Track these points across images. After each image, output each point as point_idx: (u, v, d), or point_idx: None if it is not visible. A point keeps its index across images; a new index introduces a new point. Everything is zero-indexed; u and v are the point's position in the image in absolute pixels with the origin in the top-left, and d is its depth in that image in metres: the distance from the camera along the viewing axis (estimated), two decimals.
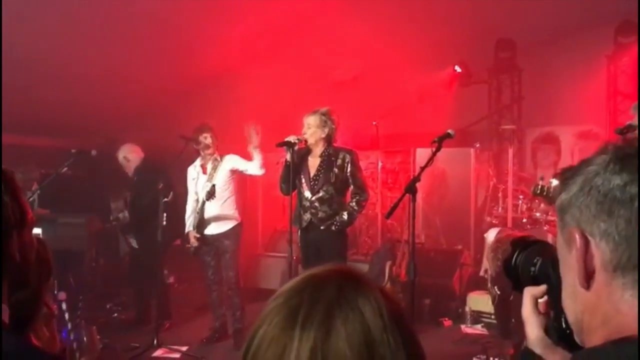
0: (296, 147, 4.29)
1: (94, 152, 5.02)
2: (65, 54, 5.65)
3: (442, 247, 6.60)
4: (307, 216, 4.34)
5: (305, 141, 4.34)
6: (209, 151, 5.05)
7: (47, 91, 6.08)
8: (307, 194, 4.34)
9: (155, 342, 4.79)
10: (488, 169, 6.97)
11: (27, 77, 5.67)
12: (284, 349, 0.69)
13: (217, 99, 6.27)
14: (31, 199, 5.28)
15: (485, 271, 5.24)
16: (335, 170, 4.31)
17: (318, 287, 0.73)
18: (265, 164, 4.87)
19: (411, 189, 3.62)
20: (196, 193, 5.10)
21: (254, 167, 4.88)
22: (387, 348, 0.69)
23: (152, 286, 5.39)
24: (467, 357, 4.49)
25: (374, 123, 7.11)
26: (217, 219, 5.00)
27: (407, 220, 4.74)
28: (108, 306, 6.15)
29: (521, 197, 6.23)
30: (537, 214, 5.96)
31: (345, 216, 4.29)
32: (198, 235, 5.00)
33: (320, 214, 4.31)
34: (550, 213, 5.68)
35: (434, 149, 3.72)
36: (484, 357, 4.40)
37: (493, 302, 5.11)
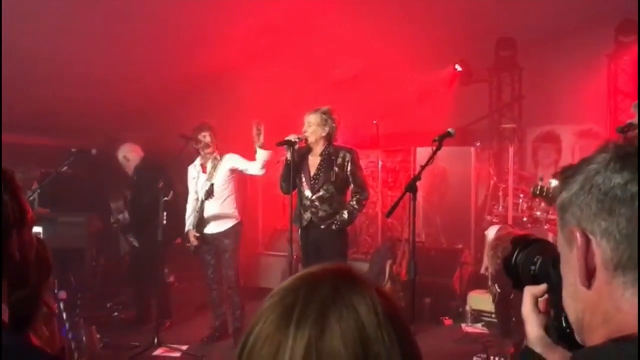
0: (297, 146, 4.29)
1: (94, 152, 5.03)
2: (65, 54, 5.64)
3: (442, 246, 6.60)
4: (307, 215, 4.34)
5: (306, 140, 4.34)
6: (209, 150, 5.05)
7: (47, 90, 6.08)
8: (308, 193, 4.34)
9: (155, 341, 4.79)
10: (489, 168, 6.96)
11: (28, 76, 5.67)
12: (278, 347, 0.69)
13: (217, 98, 6.26)
14: (31, 198, 5.28)
15: (486, 269, 5.24)
16: (336, 169, 4.31)
17: (313, 285, 0.73)
18: (266, 163, 4.86)
19: (412, 188, 3.62)
20: (196, 192, 5.10)
21: (254, 168, 4.87)
22: (382, 345, 0.69)
23: (153, 285, 5.40)
24: (468, 356, 4.49)
25: (375, 122, 7.11)
26: (217, 218, 5.00)
27: (407, 219, 4.75)
28: (108, 305, 6.15)
29: (522, 196, 6.23)
30: (538, 213, 5.96)
31: (345, 215, 4.29)
32: (198, 235, 5.00)
33: (321, 213, 4.31)
34: (550, 212, 5.68)
35: (434, 148, 3.72)
36: (485, 356, 4.39)
37: (494, 301, 5.11)
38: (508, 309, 4.86)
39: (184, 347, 4.85)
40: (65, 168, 4.97)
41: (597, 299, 0.75)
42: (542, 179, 4.42)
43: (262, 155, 4.75)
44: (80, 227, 6.48)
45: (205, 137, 5.02)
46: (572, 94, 6.76)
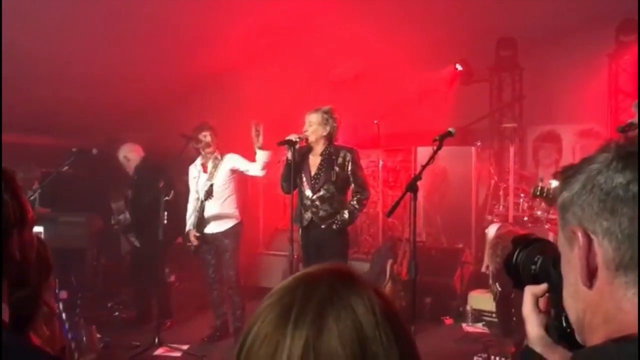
0: (297, 146, 4.28)
1: (94, 151, 5.03)
2: (65, 53, 5.64)
3: (443, 246, 6.60)
4: (308, 215, 4.34)
5: (306, 139, 4.34)
6: (209, 150, 5.05)
7: (47, 90, 6.08)
8: (308, 192, 4.34)
9: (156, 340, 4.79)
10: (489, 167, 6.96)
11: (28, 76, 5.67)
12: (276, 347, 0.69)
13: (217, 98, 6.26)
14: (32, 198, 5.28)
15: (487, 267, 5.24)
16: (336, 168, 4.30)
17: (311, 285, 0.73)
18: (267, 163, 4.86)
19: (412, 188, 3.61)
20: (197, 192, 5.10)
21: (255, 169, 4.87)
22: (380, 345, 0.69)
23: (153, 285, 5.40)
24: (468, 356, 4.48)
25: (375, 121, 7.11)
26: (217, 217, 5.00)
27: (408, 218, 4.75)
28: (109, 305, 6.15)
29: (522, 195, 6.23)
30: (538, 213, 5.96)
31: (346, 215, 4.29)
32: (198, 234, 5.00)
33: (321, 213, 4.30)
34: (551, 211, 5.68)
35: (435, 148, 3.71)
36: (485, 355, 4.39)
37: (494, 299, 5.11)
38: (509, 307, 4.86)
39: (185, 347, 4.85)
40: (66, 167, 4.97)
41: (598, 298, 0.75)
42: (542, 180, 4.43)
43: (261, 156, 4.75)
44: (80, 226, 6.48)
45: (206, 136, 5.02)
46: (573, 94, 6.76)
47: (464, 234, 6.57)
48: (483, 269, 5.47)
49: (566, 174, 0.79)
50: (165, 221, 4.89)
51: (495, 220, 6.32)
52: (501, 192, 6.52)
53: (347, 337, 0.68)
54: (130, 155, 5.69)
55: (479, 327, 5.44)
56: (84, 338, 3.94)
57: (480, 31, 6.65)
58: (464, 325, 5.51)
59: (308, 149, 4.41)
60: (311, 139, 4.33)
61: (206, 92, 6.52)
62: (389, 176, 7.12)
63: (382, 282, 5.51)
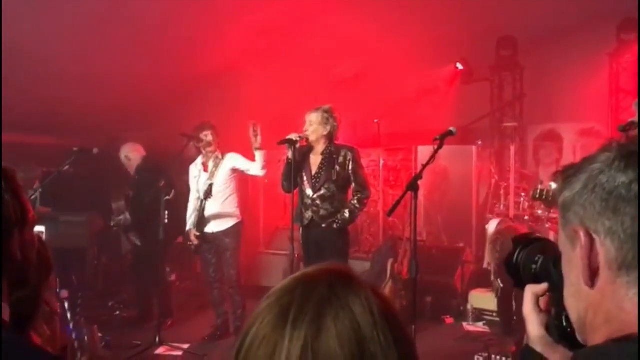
0: (298, 145, 4.28)
1: (95, 151, 5.03)
2: (66, 53, 5.65)
3: (443, 245, 6.60)
4: (308, 214, 4.33)
5: (307, 139, 4.34)
6: (210, 149, 5.05)
7: (48, 90, 6.08)
8: (309, 191, 4.34)
9: (157, 339, 4.79)
10: (490, 166, 6.96)
11: (29, 75, 5.67)
12: (275, 348, 0.69)
13: (218, 97, 6.27)
14: (33, 198, 5.28)
15: (489, 264, 5.24)
16: (337, 168, 4.30)
17: (309, 285, 0.73)
18: (266, 162, 4.87)
19: (413, 187, 3.61)
20: (197, 191, 5.10)
21: (255, 168, 4.87)
22: (378, 345, 0.69)
23: (154, 284, 5.40)
24: (469, 355, 4.48)
25: (376, 121, 7.11)
26: (217, 217, 5.00)
27: (408, 217, 4.74)
28: (110, 304, 6.16)
29: (523, 194, 6.22)
30: (539, 212, 5.95)
31: (346, 214, 4.29)
32: (198, 234, 5.01)
33: (322, 212, 4.30)
34: (552, 211, 5.67)
35: (435, 147, 3.71)
36: (486, 354, 4.39)
37: (496, 295, 5.11)
38: (510, 305, 4.86)
39: (185, 346, 4.85)
40: (67, 167, 4.97)
41: (600, 298, 0.75)
42: (541, 182, 4.42)
43: (260, 156, 4.77)
44: (81, 226, 6.49)
45: (207, 135, 5.02)
46: (574, 93, 6.75)
47: (464, 233, 6.57)
48: (485, 265, 5.47)
49: (567, 173, 0.79)
50: (166, 220, 4.89)
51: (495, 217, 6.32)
52: (502, 191, 6.51)
53: (346, 338, 0.68)
54: (131, 155, 5.69)
55: (480, 326, 5.43)
56: (85, 337, 3.94)
57: (481, 30, 6.64)
58: (464, 324, 5.51)
59: (309, 148, 4.41)
60: (312, 138, 4.33)
61: (207, 91, 6.53)
62: (390, 175, 7.11)
63: (382, 281, 5.51)
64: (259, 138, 4.67)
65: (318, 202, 4.31)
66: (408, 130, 7.45)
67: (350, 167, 4.31)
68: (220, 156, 5.07)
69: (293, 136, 4.23)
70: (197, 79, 6.64)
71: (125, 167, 5.75)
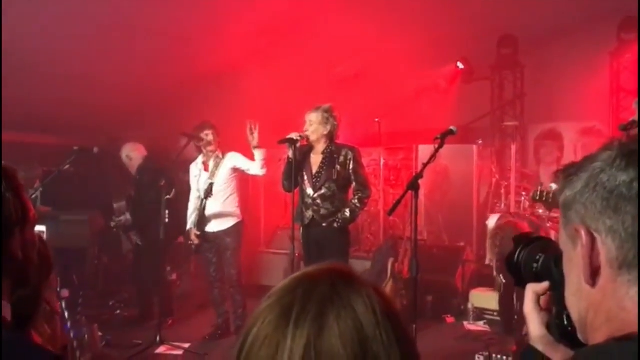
0: (298, 144, 4.28)
1: (96, 150, 5.03)
2: (67, 52, 5.64)
3: (444, 244, 6.59)
4: (309, 213, 4.33)
5: (307, 138, 4.33)
6: (211, 148, 5.05)
7: (49, 89, 6.08)
8: (310, 191, 4.34)
9: (157, 339, 4.79)
10: (491, 165, 6.95)
11: (29, 75, 5.67)
12: (277, 347, 0.69)
13: (218, 97, 6.26)
14: (33, 197, 5.28)
15: (491, 260, 5.24)
16: (338, 167, 4.30)
17: (311, 285, 0.73)
18: (267, 161, 4.87)
19: (413, 186, 3.61)
20: (198, 190, 5.11)
21: (255, 168, 4.88)
22: (380, 344, 0.69)
23: (155, 283, 5.40)
24: (470, 354, 4.48)
25: (376, 120, 7.10)
26: (218, 216, 5.01)
27: (409, 217, 4.74)
28: (111, 303, 6.16)
29: (524, 193, 6.22)
30: (540, 211, 5.94)
31: (347, 213, 4.29)
32: (198, 233, 5.01)
33: (323, 211, 4.30)
34: (552, 210, 5.67)
35: (436, 146, 3.71)
36: (487, 354, 4.39)
37: (499, 291, 5.10)
38: (512, 302, 4.85)
39: (186, 345, 4.86)
40: (67, 166, 4.97)
41: (601, 297, 0.75)
42: (542, 184, 4.42)
43: (259, 154, 4.77)
44: (82, 225, 6.49)
45: (208, 135, 5.03)
46: (574, 92, 6.75)
47: (465, 232, 6.57)
48: (487, 262, 5.47)
49: (568, 172, 0.79)
50: (167, 220, 4.89)
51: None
52: (503, 191, 6.51)
53: (348, 337, 0.68)
54: (132, 154, 5.70)
55: (481, 326, 5.43)
56: (86, 336, 3.95)
57: (481, 29, 6.64)
58: (465, 323, 5.51)
59: (309, 147, 4.41)
60: (312, 138, 4.33)
61: (207, 91, 6.52)
62: (390, 174, 7.11)
63: (383, 280, 5.51)
64: (256, 136, 4.67)
65: (319, 201, 4.31)
66: (409, 130, 7.45)
67: (351, 166, 4.31)
68: (220, 155, 5.07)
69: (293, 135, 4.23)
70: (197, 79, 6.63)
71: (126, 166, 5.76)
